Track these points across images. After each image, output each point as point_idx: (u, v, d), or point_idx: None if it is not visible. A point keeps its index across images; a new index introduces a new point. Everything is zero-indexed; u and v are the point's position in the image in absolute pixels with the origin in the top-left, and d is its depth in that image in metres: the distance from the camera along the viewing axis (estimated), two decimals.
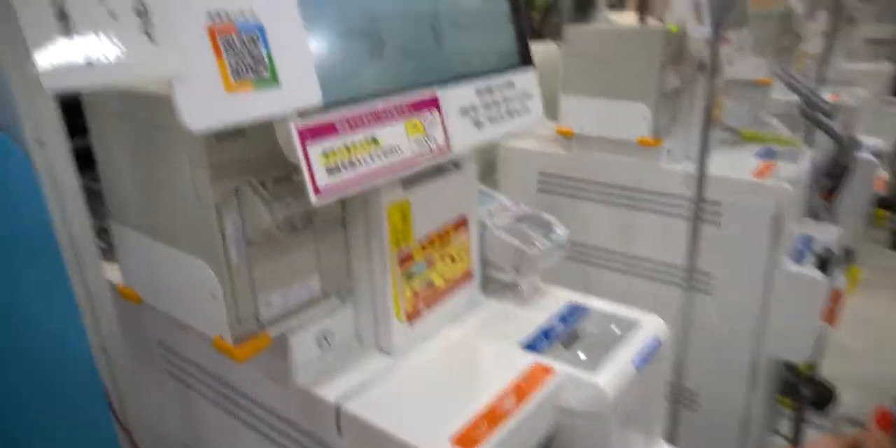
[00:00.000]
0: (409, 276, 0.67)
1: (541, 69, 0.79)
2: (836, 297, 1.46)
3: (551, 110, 1.43)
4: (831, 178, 1.62)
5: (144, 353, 0.86)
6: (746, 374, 1.38)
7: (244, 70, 0.46)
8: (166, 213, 0.62)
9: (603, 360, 0.67)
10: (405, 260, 0.66)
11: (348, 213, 0.65)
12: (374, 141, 0.56)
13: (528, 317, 0.76)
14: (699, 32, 1.31)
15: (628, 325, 0.75)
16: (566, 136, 1.43)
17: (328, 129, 0.52)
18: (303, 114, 0.50)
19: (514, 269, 0.77)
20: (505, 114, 0.73)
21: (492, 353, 0.69)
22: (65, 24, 0.38)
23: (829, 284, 1.35)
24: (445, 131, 0.63)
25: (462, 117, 0.66)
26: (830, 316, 1.40)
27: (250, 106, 0.47)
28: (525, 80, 0.77)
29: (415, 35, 0.62)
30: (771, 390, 1.61)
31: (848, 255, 1.58)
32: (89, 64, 0.39)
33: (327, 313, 0.66)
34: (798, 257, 1.37)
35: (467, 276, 0.76)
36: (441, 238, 0.71)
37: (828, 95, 2.28)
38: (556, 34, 1.89)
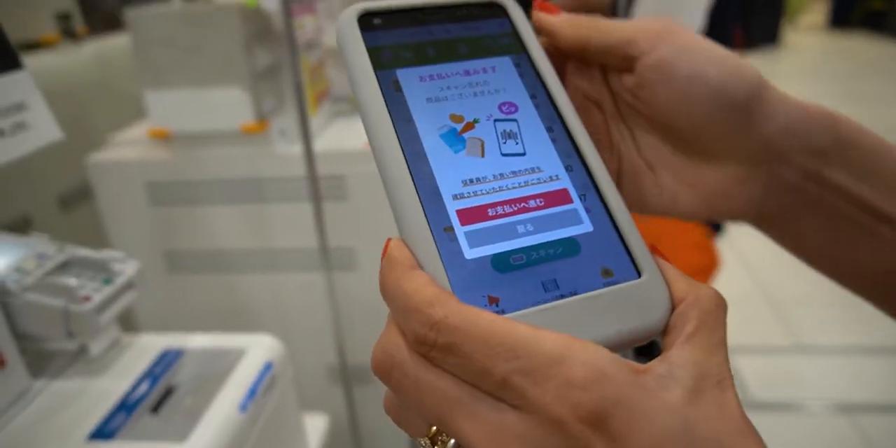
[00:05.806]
0: None
1: None
2: None
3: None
4: None
5: None
6: None
7: None
8: None
9: (197, 419, 0.57)
10: None
11: None
12: None
13: (105, 388, 0.61)
14: (272, 4, 1.23)
15: (233, 358, 0.65)
16: (164, 138, 1.24)
17: None
18: None
19: (67, 334, 0.60)
20: None
21: None
22: None
23: None
24: None
25: None
26: None
27: None
28: (12, 87, 0.57)
29: None
30: None
31: None
32: None
33: None
34: None
35: None
36: None
37: None
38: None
